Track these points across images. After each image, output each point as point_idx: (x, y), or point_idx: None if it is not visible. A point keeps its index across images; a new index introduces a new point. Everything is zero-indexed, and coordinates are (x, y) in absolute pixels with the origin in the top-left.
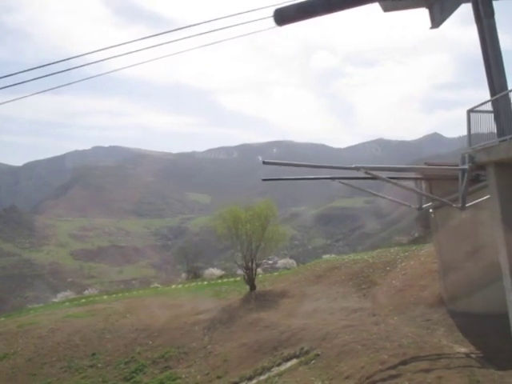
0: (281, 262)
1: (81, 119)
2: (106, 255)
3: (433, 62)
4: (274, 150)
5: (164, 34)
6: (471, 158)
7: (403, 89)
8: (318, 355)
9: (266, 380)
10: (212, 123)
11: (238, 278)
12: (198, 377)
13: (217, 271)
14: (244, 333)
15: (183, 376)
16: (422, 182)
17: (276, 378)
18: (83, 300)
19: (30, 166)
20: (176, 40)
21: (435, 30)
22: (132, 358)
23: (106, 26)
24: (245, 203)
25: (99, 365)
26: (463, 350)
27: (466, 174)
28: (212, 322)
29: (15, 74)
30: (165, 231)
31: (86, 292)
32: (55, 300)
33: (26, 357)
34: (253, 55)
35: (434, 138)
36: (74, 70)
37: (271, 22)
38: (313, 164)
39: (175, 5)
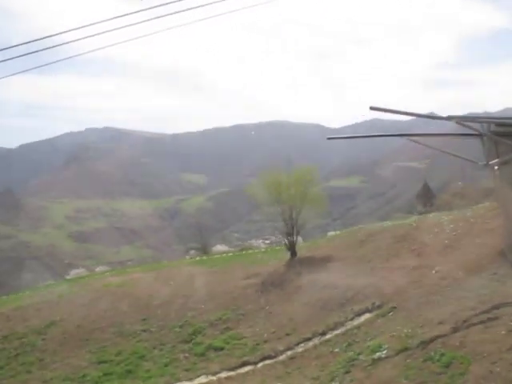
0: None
1: (74, 100)
2: (102, 236)
3: (429, 41)
4: (270, 127)
5: (155, 12)
6: None
7: (399, 68)
8: (394, 308)
9: (343, 333)
10: (206, 103)
11: (263, 249)
12: (265, 335)
13: (224, 248)
14: (302, 293)
15: (249, 335)
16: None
17: (355, 331)
18: (107, 272)
19: (24, 148)
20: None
21: (434, 9)
22: (186, 321)
23: (98, 5)
24: (281, 169)
25: (152, 329)
26: None
27: None
28: (263, 285)
29: None
30: (161, 212)
31: (98, 269)
32: (68, 277)
33: (74, 323)
34: (245, 34)
35: (429, 119)
36: (63, 50)
37: None
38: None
39: None
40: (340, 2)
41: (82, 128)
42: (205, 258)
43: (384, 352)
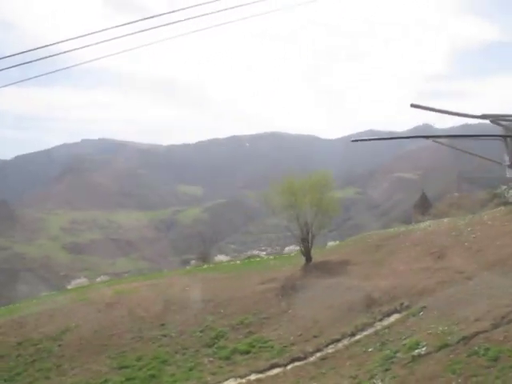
0: (288, 249)
1: (69, 112)
2: (97, 248)
3: (422, 53)
4: (265, 139)
5: (150, 23)
6: None
7: (394, 80)
8: (424, 307)
9: (374, 333)
10: (202, 116)
11: (272, 257)
12: (291, 338)
13: (225, 257)
14: (325, 296)
15: (274, 338)
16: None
17: (386, 330)
18: (111, 281)
19: (19, 160)
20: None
21: (428, 21)
22: (206, 326)
23: (93, 17)
24: (298, 174)
25: (173, 334)
26: None
27: None
28: (284, 289)
29: None
30: (157, 223)
31: (99, 279)
32: (69, 287)
33: (90, 329)
34: (240, 46)
35: (425, 129)
36: (58, 60)
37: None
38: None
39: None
40: (333, 16)
41: (78, 139)
42: (212, 265)
43: (423, 349)
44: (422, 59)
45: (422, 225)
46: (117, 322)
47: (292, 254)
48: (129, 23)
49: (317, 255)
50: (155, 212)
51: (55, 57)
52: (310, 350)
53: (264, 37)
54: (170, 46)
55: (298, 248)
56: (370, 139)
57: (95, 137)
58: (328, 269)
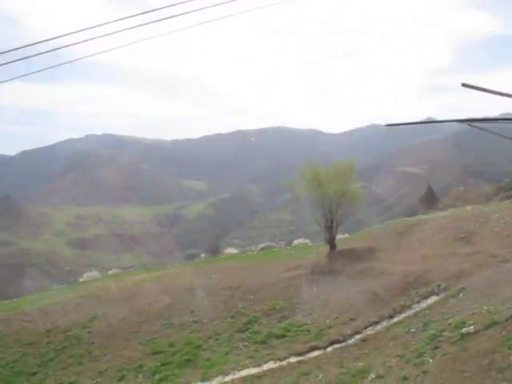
0: (297, 242)
1: (73, 107)
2: (102, 243)
3: (427, 48)
4: (269, 133)
5: (151, 17)
6: None
7: (397, 74)
8: (463, 289)
9: (414, 315)
10: (206, 110)
11: (288, 247)
12: (327, 321)
13: (234, 250)
14: (358, 280)
15: (309, 322)
16: None
17: (427, 311)
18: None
19: (24, 156)
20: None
21: (429, 16)
22: (237, 312)
23: (97, 13)
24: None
25: (203, 320)
26: None
27: None
28: (312, 276)
29: None
30: (161, 218)
31: (110, 272)
32: (81, 279)
33: (118, 317)
34: (246, 41)
35: (429, 123)
36: (63, 54)
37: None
38: None
39: None
40: (337, 13)
41: (82, 135)
42: (228, 255)
43: (471, 327)
44: (425, 54)
45: (446, 212)
46: (144, 309)
47: (309, 245)
48: (129, 17)
49: (340, 244)
50: (159, 207)
51: (59, 52)
52: (349, 332)
53: (267, 31)
54: (173, 41)
55: (306, 241)
56: (403, 124)
57: (99, 132)
58: (355, 255)
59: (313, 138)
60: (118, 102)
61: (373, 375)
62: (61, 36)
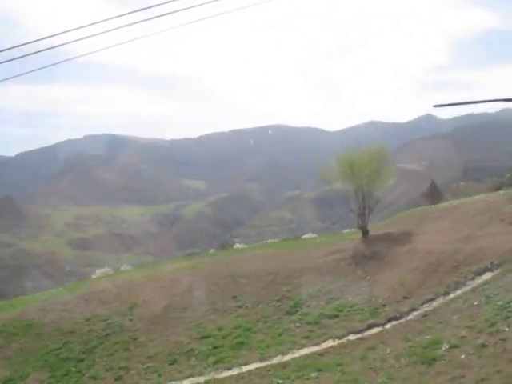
0: (305, 237)
1: (72, 108)
2: (102, 243)
3: (424, 44)
4: (269, 131)
5: (148, 15)
6: None
7: (396, 71)
8: None
9: (471, 290)
10: (204, 109)
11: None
12: (380, 300)
13: (243, 246)
14: (404, 261)
15: (360, 302)
16: None
17: (485, 286)
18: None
19: (23, 157)
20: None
21: (427, 12)
22: (282, 295)
23: (97, 13)
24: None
25: (248, 305)
26: None
27: None
28: (355, 259)
29: None
30: (160, 218)
31: (122, 268)
32: (94, 276)
33: (159, 304)
34: (244, 39)
35: (428, 119)
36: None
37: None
38: None
39: None
40: (333, 10)
41: (81, 135)
42: (256, 245)
43: None
44: (423, 50)
45: (478, 197)
46: (185, 296)
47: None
48: (123, 15)
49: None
50: (158, 207)
51: (57, 53)
52: (405, 309)
53: (263, 28)
54: (170, 42)
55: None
56: (451, 104)
57: (98, 132)
58: (393, 239)
59: (311, 135)
60: (116, 103)
61: (446, 345)
62: (54, 35)
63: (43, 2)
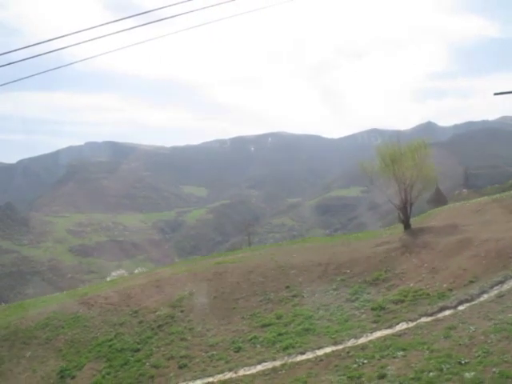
0: None
1: (73, 115)
2: (103, 250)
3: (424, 52)
4: (269, 139)
5: (152, 26)
6: None
7: (395, 79)
8: None
9: None
10: (205, 116)
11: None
12: (444, 285)
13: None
14: (460, 249)
15: (424, 288)
16: None
17: None
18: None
19: (24, 164)
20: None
21: (425, 19)
22: (338, 284)
23: (96, 21)
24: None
25: (303, 294)
26: None
27: None
28: (405, 249)
29: None
30: (162, 225)
31: (136, 271)
32: (108, 279)
33: (208, 296)
34: (244, 47)
35: (428, 127)
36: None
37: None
38: None
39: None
40: (335, 17)
41: (82, 142)
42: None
43: None
44: (424, 58)
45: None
46: (234, 287)
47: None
48: (117, 20)
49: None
50: (160, 213)
51: (57, 59)
52: (476, 292)
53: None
54: (172, 49)
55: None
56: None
57: (99, 139)
58: (438, 231)
59: (312, 143)
60: (117, 110)
61: None
62: (50, 40)
63: (40, 10)
